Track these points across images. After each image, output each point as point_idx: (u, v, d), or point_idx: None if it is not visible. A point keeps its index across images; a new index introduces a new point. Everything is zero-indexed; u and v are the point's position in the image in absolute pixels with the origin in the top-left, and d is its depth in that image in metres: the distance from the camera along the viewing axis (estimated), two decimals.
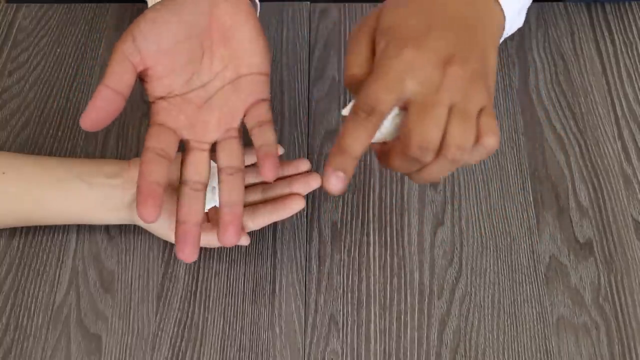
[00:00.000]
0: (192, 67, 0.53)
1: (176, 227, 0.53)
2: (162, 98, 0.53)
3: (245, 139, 0.69)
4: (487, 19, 0.51)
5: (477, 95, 0.46)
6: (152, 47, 0.51)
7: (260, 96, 0.56)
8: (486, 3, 0.52)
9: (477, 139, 0.46)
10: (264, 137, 0.54)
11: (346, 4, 0.78)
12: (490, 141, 0.47)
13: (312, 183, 0.60)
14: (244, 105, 0.55)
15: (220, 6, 0.54)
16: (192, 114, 0.54)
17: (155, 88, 0.53)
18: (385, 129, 0.49)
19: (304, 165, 0.61)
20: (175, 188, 0.59)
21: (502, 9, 0.52)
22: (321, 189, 0.65)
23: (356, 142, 0.46)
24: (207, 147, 0.54)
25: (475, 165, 0.66)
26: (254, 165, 0.62)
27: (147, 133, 0.53)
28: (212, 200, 0.59)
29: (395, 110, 0.48)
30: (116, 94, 0.50)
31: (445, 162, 0.47)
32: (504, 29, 0.53)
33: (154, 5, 0.53)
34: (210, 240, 0.58)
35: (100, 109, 0.50)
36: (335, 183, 0.46)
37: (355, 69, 0.49)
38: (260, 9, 0.58)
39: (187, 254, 0.52)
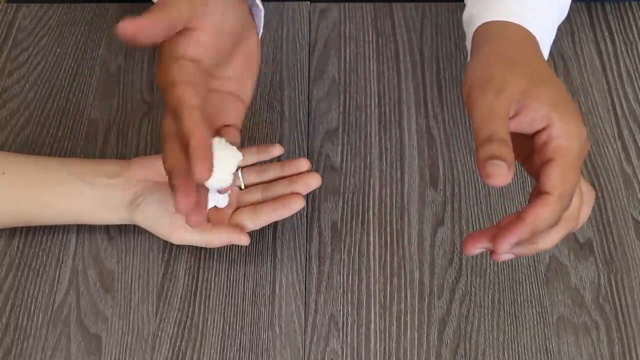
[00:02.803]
0: (220, 56, 0.53)
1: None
2: (190, 60, 0.50)
3: (245, 139, 0.69)
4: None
5: None
6: (206, 12, 0.50)
7: (232, 121, 0.56)
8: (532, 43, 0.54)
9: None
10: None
11: (346, 4, 0.78)
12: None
13: (312, 183, 0.60)
14: (220, 120, 0.56)
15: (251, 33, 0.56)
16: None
17: (189, 47, 0.50)
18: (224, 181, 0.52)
19: (304, 164, 0.61)
20: None
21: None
22: (321, 189, 0.65)
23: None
24: None
25: (475, 164, 0.66)
26: (254, 165, 0.62)
27: (178, 91, 0.48)
28: (211, 200, 0.59)
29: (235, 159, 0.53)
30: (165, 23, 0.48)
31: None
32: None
33: None
34: (210, 240, 0.58)
35: (144, 24, 0.47)
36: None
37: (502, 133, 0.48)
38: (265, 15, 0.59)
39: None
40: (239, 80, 0.57)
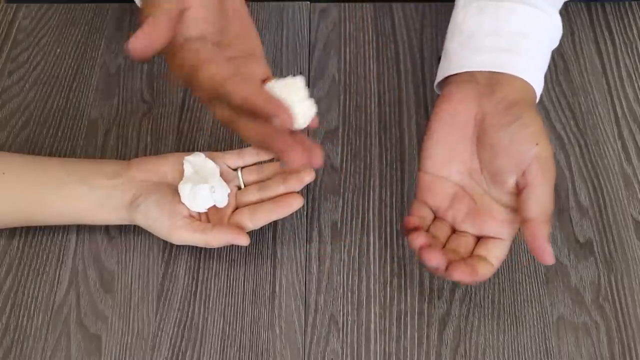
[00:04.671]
0: (217, 23, 0.51)
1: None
2: (197, 39, 0.48)
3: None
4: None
5: None
6: None
7: (262, 76, 0.54)
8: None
9: None
10: None
11: (346, 4, 0.78)
12: None
13: (306, 178, 0.60)
14: (254, 81, 0.53)
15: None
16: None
17: (189, 28, 0.48)
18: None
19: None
20: (176, 187, 0.59)
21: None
22: (321, 189, 0.65)
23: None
24: None
25: None
26: (253, 165, 0.62)
27: (205, 72, 0.47)
28: (211, 200, 0.59)
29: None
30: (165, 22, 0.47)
31: None
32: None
33: None
34: (210, 240, 0.58)
35: (149, 34, 0.46)
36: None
37: None
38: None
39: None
40: (244, 38, 0.54)
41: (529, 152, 0.52)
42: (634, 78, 0.72)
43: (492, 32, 0.57)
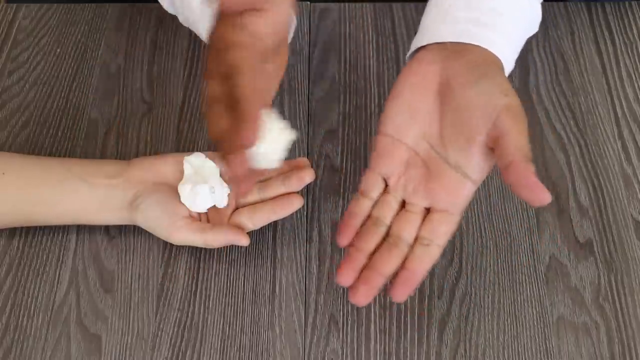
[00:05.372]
0: (271, 46, 0.50)
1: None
2: (250, 31, 0.48)
3: None
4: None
5: None
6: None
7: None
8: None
9: None
10: None
11: (346, 4, 0.78)
12: None
13: (306, 177, 0.60)
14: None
15: None
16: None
17: (251, 22, 0.48)
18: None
19: (304, 164, 0.61)
20: (176, 187, 0.59)
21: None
22: (321, 189, 0.65)
23: None
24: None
25: None
26: None
27: (238, 52, 0.47)
28: (211, 200, 0.59)
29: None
30: None
31: None
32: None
33: None
34: (210, 240, 0.58)
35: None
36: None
37: None
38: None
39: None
40: (275, 73, 0.53)
41: (498, 102, 0.51)
42: (634, 78, 0.72)
43: (466, 6, 0.57)
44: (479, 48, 0.55)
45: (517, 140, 0.50)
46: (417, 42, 0.58)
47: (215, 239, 0.58)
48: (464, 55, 0.54)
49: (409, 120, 0.55)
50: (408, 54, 0.60)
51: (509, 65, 0.57)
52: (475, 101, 0.52)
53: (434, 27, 0.57)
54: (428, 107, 0.54)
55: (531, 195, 0.48)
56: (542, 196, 0.48)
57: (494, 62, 0.55)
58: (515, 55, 0.59)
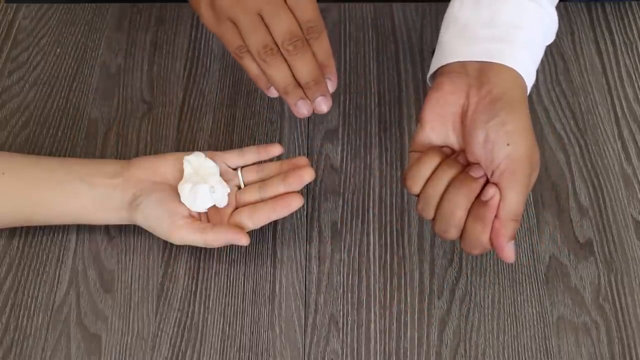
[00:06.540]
0: None
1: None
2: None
3: (244, 139, 0.69)
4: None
5: None
6: None
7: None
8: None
9: None
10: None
11: (346, 4, 0.78)
12: None
13: (306, 177, 0.59)
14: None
15: None
16: None
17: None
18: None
19: (303, 163, 0.61)
20: (175, 187, 0.59)
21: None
22: (321, 189, 0.65)
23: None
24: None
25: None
26: (253, 164, 0.62)
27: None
28: (211, 200, 0.59)
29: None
30: None
31: None
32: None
33: None
34: (210, 240, 0.58)
35: None
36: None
37: None
38: None
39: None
40: None
41: (499, 151, 0.52)
42: (634, 78, 0.72)
43: (486, 23, 0.57)
44: (501, 69, 0.55)
45: (509, 203, 0.52)
46: (437, 61, 0.58)
47: (215, 238, 0.58)
48: (485, 83, 0.54)
49: (439, 145, 0.57)
50: (429, 74, 0.60)
51: (530, 79, 0.57)
52: (482, 145, 0.53)
53: (454, 45, 0.57)
54: (456, 135, 0.56)
55: (496, 251, 0.53)
56: (504, 256, 0.52)
57: (516, 87, 0.55)
58: (536, 67, 0.58)
